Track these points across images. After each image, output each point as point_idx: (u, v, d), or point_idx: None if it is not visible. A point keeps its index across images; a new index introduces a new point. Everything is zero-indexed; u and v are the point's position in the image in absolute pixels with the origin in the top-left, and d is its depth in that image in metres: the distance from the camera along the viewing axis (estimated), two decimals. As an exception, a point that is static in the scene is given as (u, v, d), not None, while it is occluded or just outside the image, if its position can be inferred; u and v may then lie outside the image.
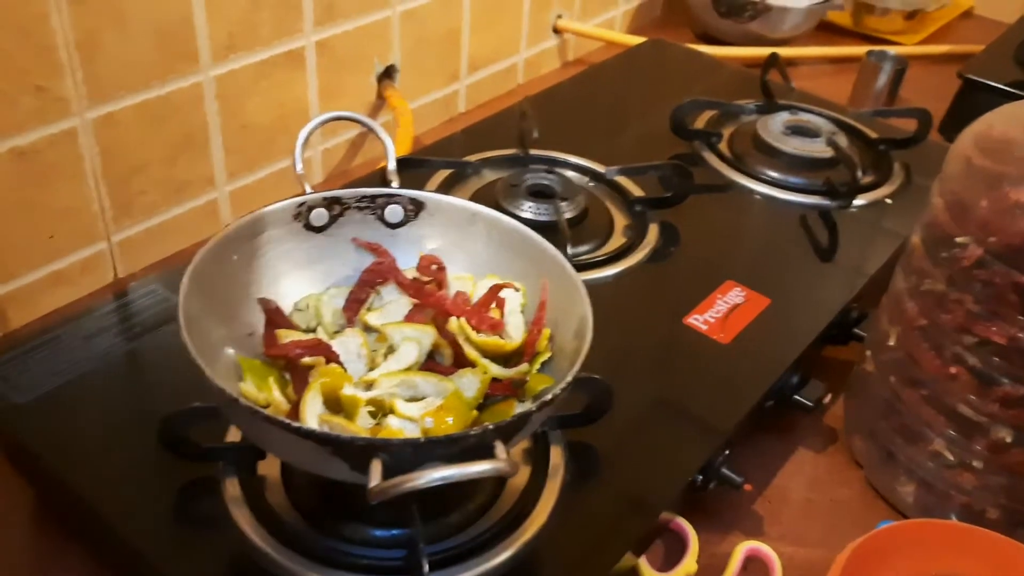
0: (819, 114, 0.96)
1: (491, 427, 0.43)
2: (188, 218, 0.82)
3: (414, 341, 0.55)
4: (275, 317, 0.57)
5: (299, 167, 0.60)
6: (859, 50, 1.23)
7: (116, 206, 0.76)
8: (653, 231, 0.79)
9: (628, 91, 1.04)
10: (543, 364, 0.55)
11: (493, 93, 1.12)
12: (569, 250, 0.71)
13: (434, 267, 0.60)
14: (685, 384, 0.65)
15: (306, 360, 0.53)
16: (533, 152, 0.87)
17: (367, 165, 0.98)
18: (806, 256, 0.79)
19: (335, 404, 0.50)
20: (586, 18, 1.23)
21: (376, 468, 0.41)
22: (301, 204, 0.59)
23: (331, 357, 0.54)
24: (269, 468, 0.55)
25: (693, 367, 0.66)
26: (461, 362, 0.55)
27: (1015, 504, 0.60)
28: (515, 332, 0.57)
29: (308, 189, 0.60)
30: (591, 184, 0.86)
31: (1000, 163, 0.56)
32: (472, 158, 0.86)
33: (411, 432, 0.49)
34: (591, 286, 0.54)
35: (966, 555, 0.55)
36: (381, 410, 0.50)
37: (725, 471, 0.60)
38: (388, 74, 0.96)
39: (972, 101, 1.06)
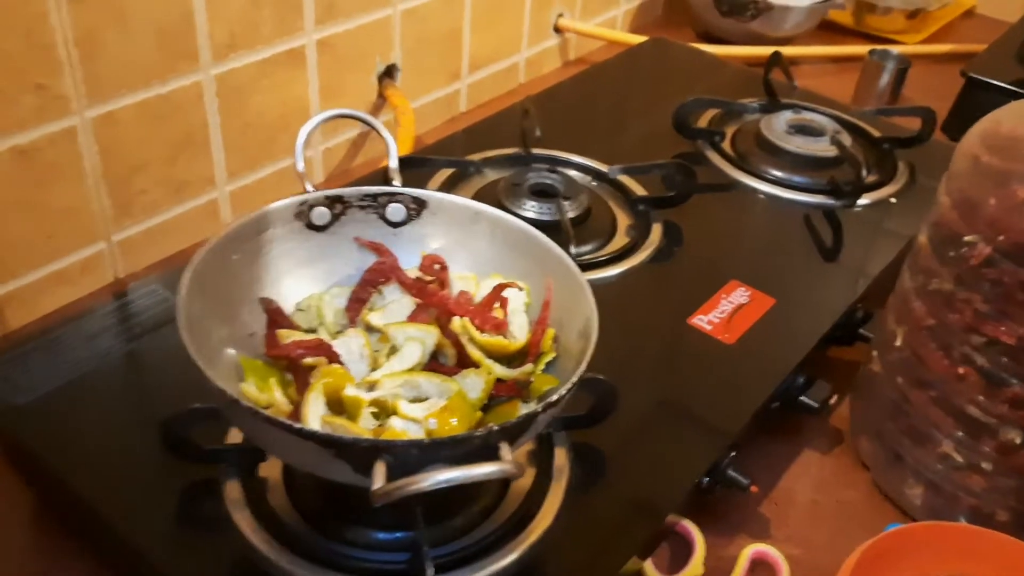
0: (822, 113, 0.96)
1: (496, 428, 0.43)
2: (189, 218, 0.82)
3: (417, 341, 0.54)
4: (276, 317, 0.56)
5: (300, 165, 0.59)
6: (861, 49, 1.23)
7: (116, 205, 0.75)
8: (656, 231, 0.78)
9: (630, 90, 1.04)
10: (547, 364, 0.55)
11: (494, 92, 1.12)
12: (572, 250, 0.70)
13: (437, 266, 0.60)
14: (690, 385, 0.64)
15: (308, 361, 0.53)
16: (535, 151, 0.86)
17: (368, 164, 0.98)
18: (810, 256, 0.78)
19: (337, 405, 0.50)
20: (587, 17, 1.22)
21: (380, 470, 0.41)
22: (303, 203, 0.58)
23: (333, 358, 0.53)
24: (271, 470, 0.55)
25: (698, 368, 0.66)
26: (465, 362, 0.55)
27: (1024, 506, 0.60)
28: (519, 332, 0.57)
29: (309, 188, 0.59)
30: (594, 183, 0.86)
31: (1009, 161, 0.56)
32: (474, 157, 0.85)
33: (415, 433, 0.48)
34: (594, 286, 0.54)
35: (975, 558, 0.55)
36: (384, 411, 0.50)
37: (732, 473, 0.59)
38: (389, 73, 0.95)
39: (975, 100, 1.06)
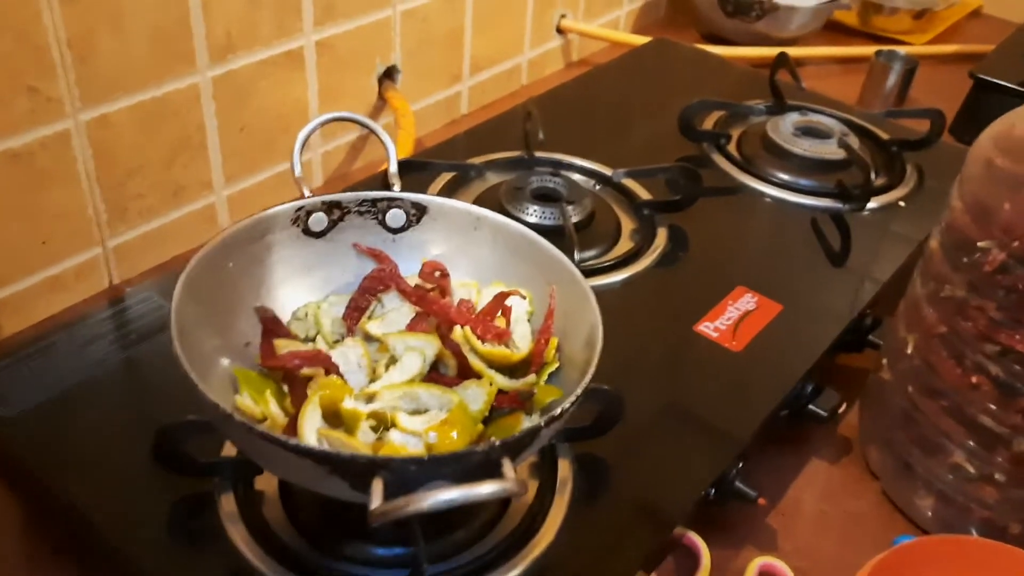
0: (829, 115, 0.95)
1: (498, 443, 0.42)
2: (185, 223, 0.80)
3: (417, 351, 0.53)
4: (272, 326, 0.55)
5: (298, 170, 0.58)
6: (867, 50, 1.21)
7: (111, 210, 0.74)
8: (661, 235, 0.77)
9: (634, 92, 1.02)
10: (551, 375, 0.54)
11: (496, 94, 1.11)
12: (576, 255, 0.69)
13: (437, 274, 0.59)
14: (696, 394, 0.63)
15: (305, 371, 0.52)
16: (538, 154, 0.85)
17: (368, 168, 0.97)
18: (818, 261, 0.77)
19: (335, 418, 0.49)
20: (590, 18, 1.21)
21: (377, 488, 0.40)
22: (300, 208, 0.57)
23: (331, 368, 0.52)
24: (267, 482, 0.54)
25: (704, 376, 0.65)
26: (466, 373, 0.53)
27: (1038, 518, 0.58)
28: (522, 341, 0.56)
29: (307, 193, 0.58)
30: (597, 187, 0.84)
31: (1023, 164, 0.55)
32: (475, 160, 0.84)
33: (414, 447, 0.47)
34: (598, 292, 0.53)
35: (988, 572, 0.53)
36: (383, 424, 0.48)
37: (739, 485, 0.58)
38: (389, 75, 0.94)
39: (984, 101, 1.05)
